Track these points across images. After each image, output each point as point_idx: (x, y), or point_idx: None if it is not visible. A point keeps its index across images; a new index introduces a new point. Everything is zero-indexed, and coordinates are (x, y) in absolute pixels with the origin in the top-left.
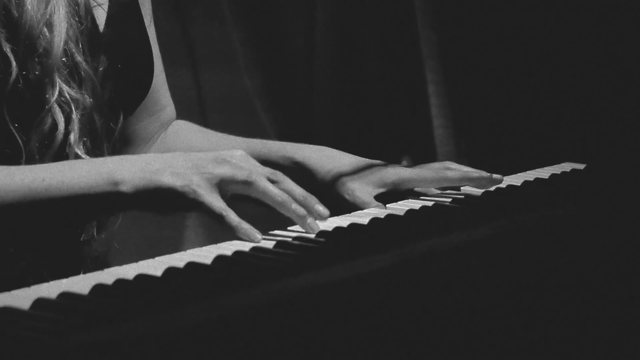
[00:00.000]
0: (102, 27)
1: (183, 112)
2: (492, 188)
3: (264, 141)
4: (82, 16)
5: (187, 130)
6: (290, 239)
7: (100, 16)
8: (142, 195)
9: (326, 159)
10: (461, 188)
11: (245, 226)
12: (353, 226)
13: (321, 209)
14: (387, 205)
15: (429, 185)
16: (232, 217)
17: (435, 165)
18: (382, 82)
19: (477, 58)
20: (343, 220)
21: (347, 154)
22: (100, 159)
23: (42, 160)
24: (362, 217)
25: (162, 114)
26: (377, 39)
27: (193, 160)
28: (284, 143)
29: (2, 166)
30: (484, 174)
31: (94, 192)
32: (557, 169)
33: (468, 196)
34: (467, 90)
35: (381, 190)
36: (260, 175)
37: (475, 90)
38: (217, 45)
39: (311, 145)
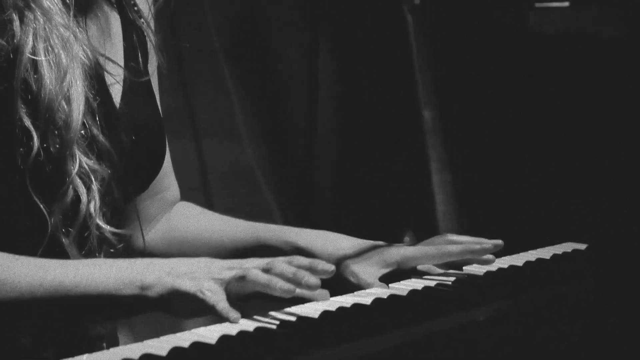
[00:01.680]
0: (118, 103)
1: (186, 185)
2: (494, 268)
3: (267, 225)
4: (97, 90)
5: (193, 214)
6: (294, 319)
7: (116, 91)
8: (164, 299)
9: (328, 242)
10: (464, 268)
11: (225, 307)
12: (356, 306)
13: (311, 279)
14: (390, 284)
15: (432, 261)
16: (221, 305)
17: (437, 239)
18: (385, 158)
19: (480, 135)
20: (346, 300)
21: (348, 236)
22: (128, 261)
23: (67, 233)
24: (365, 297)
25: (166, 194)
26: (380, 115)
27: (210, 267)
28: (286, 228)
29: (36, 259)
30: (486, 245)
31: (120, 293)
32: (558, 249)
33: (470, 276)
34: (470, 167)
35: (385, 270)
36: (252, 269)
37: (478, 167)
38: (220, 117)
39: (312, 230)
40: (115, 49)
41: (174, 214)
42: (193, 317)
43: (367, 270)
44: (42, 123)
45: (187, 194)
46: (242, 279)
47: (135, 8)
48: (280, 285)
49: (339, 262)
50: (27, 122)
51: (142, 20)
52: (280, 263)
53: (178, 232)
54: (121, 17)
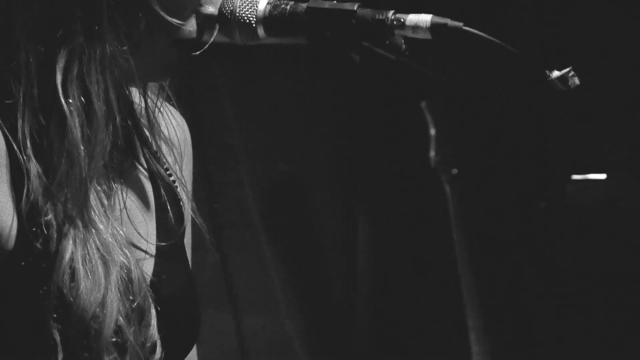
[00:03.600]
0: (150, 277)
1: (226, 358)
2: None
3: None
4: (135, 294)
5: None
6: None
7: (148, 265)
8: None
9: None
10: None
11: None
12: None
13: None
14: None
15: None
16: None
17: None
18: (423, 329)
19: (518, 304)
20: None
21: None
22: None
23: None
24: None
25: None
26: (418, 288)
27: None
28: None
29: None
30: None
31: None
32: None
33: None
34: (509, 338)
35: None
36: None
37: (517, 338)
38: (258, 289)
39: None
40: (149, 218)
41: None
42: None
43: None
44: (72, 332)
45: None
46: None
47: (168, 172)
48: None
49: None
50: (55, 334)
51: (174, 182)
52: None
53: None
54: (152, 183)
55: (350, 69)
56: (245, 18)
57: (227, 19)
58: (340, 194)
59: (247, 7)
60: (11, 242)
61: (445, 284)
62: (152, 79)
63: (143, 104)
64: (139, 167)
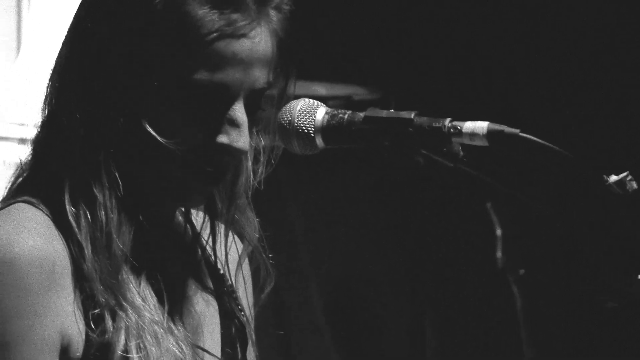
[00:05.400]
0: None
1: None
2: None
3: None
4: None
5: None
6: None
7: None
8: None
9: None
10: None
11: None
12: None
13: None
14: None
15: None
16: None
17: None
18: None
19: None
20: None
21: None
22: None
23: None
24: None
25: None
26: None
27: None
28: None
29: None
30: None
31: None
32: None
33: None
34: None
35: None
36: None
37: None
38: None
39: None
40: (213, 337)
41: None
42: None
43: None
44: None
45: None
46: None
47: (237, 301)
48: None
49: None
50: None
51: (242, 311)
52: None
53: None
54: (219, 305)
55: (415, 171)
56: (304, 128)
57: (285, 129)
58: (406, 297)
59: (306, 117)
60: (80, 348)
61: None
62: (184, 205)
63: (207, 224)
64: (204, 288)
